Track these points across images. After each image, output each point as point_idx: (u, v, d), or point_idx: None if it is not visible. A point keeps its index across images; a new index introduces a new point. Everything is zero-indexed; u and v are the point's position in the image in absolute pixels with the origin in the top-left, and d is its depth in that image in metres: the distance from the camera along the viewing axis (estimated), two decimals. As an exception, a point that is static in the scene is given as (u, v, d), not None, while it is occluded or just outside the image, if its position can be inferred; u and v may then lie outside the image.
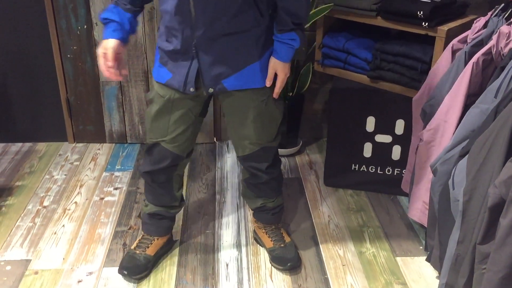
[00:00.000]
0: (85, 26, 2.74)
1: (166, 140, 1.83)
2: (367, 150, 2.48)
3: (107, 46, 1.65)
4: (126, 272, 1.97)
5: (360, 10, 2.31)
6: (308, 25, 2.58)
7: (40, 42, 2.77)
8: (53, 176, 2.68)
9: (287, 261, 2.03)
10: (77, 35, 2.75)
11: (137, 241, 2.09)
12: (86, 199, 2.49)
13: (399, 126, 2.38)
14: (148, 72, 2.85)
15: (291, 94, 2.80)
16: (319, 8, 2.50)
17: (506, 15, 1.82)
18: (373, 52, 2.34)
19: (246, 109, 1.78)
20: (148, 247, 2.04)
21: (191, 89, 1.70)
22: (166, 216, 2.04)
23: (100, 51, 1.66)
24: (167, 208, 2.02)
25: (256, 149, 1.87)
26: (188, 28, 1.60)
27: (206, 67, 1.66)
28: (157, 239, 2.07)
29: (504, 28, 1.73)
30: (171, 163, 1.88)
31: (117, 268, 2.01)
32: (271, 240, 2.10)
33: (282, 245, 2.08)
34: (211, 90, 1.70)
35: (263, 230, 2.13)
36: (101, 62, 1.67)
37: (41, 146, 2.98)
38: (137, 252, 2.03)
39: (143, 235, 2.09)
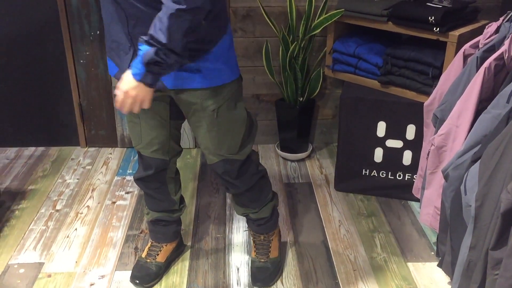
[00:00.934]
0: (98, 32, 2.77)
1: (142, 147, 1.82)
2: (378, 155, 2.48)
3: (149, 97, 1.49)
4: (138, 281, 1.98)
5: (371, 16, 2.32)
6: (318, 30, 2.59)
7: (53, 48, 2.81)
8: (65, 180, 2.71)
9: (257, 281, 1.99)
10: (90, 41, 2.79)
11: (146, 249, 2.08)
12: (98, 203, 2.52)
13: (410, 131, 2.38)
14: (159, 77, 2.87)
15: (301, 99, 2.81)
16: (329, 13, 2.51)
17: (518, 20, 1.81)
18: (384, 57, 2.35)
19: (199, 118, 1.70)
20: (158, 255, 2.04)
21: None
22: (169, 221, 2.03)
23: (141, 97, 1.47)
24: (168, 213, 2.00)
25: (216, 160, 1.78)
26: (124, 26, 1.54)
27: None
28: (166, 245, 2.06)
29: (516, 33, 1.73)
30: (157, 169, 1.86)
31: (129, 271, 2.03)
32: (254, 251, 2.07)
33: (263, 260, 2.03)
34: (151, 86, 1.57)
35: (252, 238, 2.09)
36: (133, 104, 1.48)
37: (54, 150, 3.02)
38: (148, 260, 2.03)
39: (151, 243, 2.08)
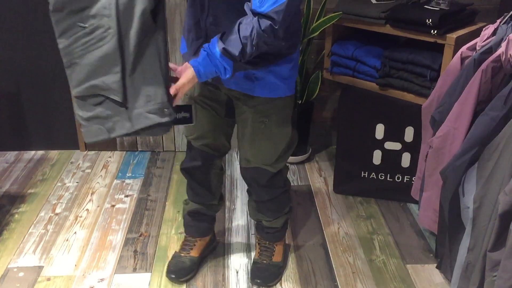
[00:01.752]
0: (97, 36, 2.77)
1: (194, 137, 1.86)
2: (377, 157, 2.48)
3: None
4: (173, 276, 2.01)
5: (369, 19, 2.33)
6: (317, 33, 2.60)
7: (54, 51, 2.81)
8: (65, 184, 2.72)
9: (256, 277, 2.01)
10: (89, 45, 2.79)
11: (181, 243, 2.11)
12: (98, 206, 2.52)
13: (409, 134, 2.38)
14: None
15: (300, 102, 2.81)
16: (328, 16, 2.52)
17: (515, 23, 1.82)
18: (382, 59, 2.36)
19: (246, 124, 1.76)
20: (192, 249, 2.07)
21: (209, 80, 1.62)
22: (206, 214, 2.06)
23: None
24: (206, 206, 2.03)
25: (249, 166, 1.84)
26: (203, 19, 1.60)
27: None
28: (200, 240, 2.09)
29: (513, 36, 1.73)
30: (204, 162, 1.90)
31: (128, 274, 2.03)
32: (258, 253, 2.09)
33: (265, 261, 2.05)
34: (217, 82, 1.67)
35: (257, 241, 2.12)
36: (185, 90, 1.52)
37: (53, 154, 3.02)
38: (182, 254, 2.06)
39: (186, 237, 2.11)
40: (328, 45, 2.59)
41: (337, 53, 2.54)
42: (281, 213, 2.00)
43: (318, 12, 2.64)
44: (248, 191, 2.01)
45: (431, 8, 2.18)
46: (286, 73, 1.69)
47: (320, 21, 2.58)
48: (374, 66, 2.40)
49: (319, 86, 2.80)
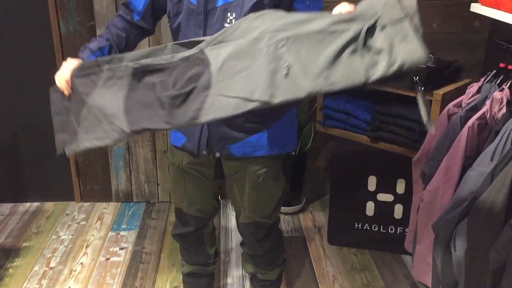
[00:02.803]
0: (95, 90, 2.85)
1: (185, 205, 1.86)
2: (370, 208, 2.51)
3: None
4: None
5: (359, 74, 2.41)
6: (309, 87, 2.69)
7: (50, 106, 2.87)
8: (59, 236, 2.71)
9: None
10: (87, 99, 2.86)
11: None
12: (92, 260, 2.51)
13: (400, 186, 2.43)
14: (154, 133, 2.93)
15: (294, 153, 2.87)
16: (319, 72, 2.60)
17: (498, 82, 1.90)
18: (372, 113, 2.43)
19: (243, 180, 1.76)
20: None
21: (204, 152, 1.69)
22: (203, 274, 2.06)
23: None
24: (203, 266, 2.04)
25: (248, 221, 1.84)
26: None
27: (214, 130, 1.67)
28: None
29: (497, 94, 1.81)
30: (197, 226, 1.91)
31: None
32: None
33: None
34: (218, 154, 1.71)
35: None
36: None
37: (49, 205, 3.03)
38: None
39: None
40: (320, 99, 2.67)
41: (329, 106, 2.61)
42: (276, 265, 2.01)
43: (310, 67, 2.73)
44: (242, 244, 2.01)
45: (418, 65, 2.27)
46: (291, 125, 1.76)
47: (312, 76, 2.66)
48: (365, 120, 2.47)
49: (312, 137, 2.86)
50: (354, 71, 1.28)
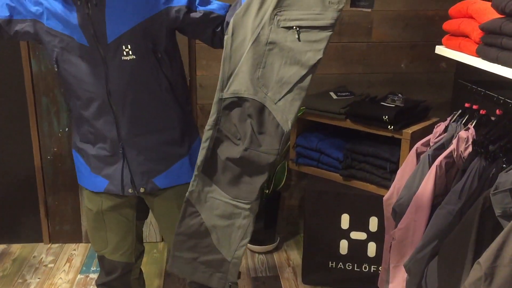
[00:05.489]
0: (67, 129, 2.82)
1: (108, 251, 1.79)
2: (343, 247, 2.51)
3: None
4: None
5: (330, 113, 2.45)
6: (282, 126, 2.71)
7: (21, 145, 2.83)
8: (26, 280, 2.62)
9: None
10: (59, 137, 2.83)
11: None
12: (59, 304, 2.43)
13: (373, 223, 2.43)
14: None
15: (267, 191, 2.86)
16: (292, 111, 2.63)
17: (464, 121, 1.95)
18: (344, 152, 2.46)
19: (173, 210, 1.71)
20: None
21: (130, 190, 1.66)
22: None
23: None
24: None
25: None
26: (114, 129, 1.60)
27: (135, 166, 1.64)
28: None
29: (463, 133, 1.86)
30: (122, 272, 1.83)
31: None
32: None
33: None
34: (142, 189, 1.67)
35: None
36: None
37: (15, 247, 2.93)
38: None
39: None
40: (293, 137, 2.69)
41: (301, 144, 2.63)
42: None
43: (282, 106, 2.76)
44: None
45: (387, 105, 2.33)
46: (193, 139, 1.74)
47: (284, 114, 2.69)
48: (337, 158, 2.49)
49: (285, 175, 2.87)
50: None
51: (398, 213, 2.03)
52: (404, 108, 2.30)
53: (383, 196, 2.24)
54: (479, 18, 1.82)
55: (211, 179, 1.53)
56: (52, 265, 2.77)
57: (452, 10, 2.05)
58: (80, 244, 2.99)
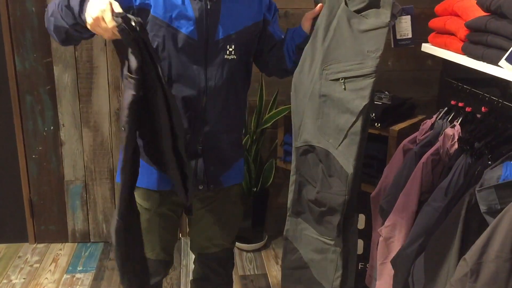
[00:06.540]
0: (52, 128, 2.78)
1: (156, 252, 1.76)
2: (331, 244, 2.51)
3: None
4: None
5: (318, 111, 2.45)
6: (269, 124, 2.71)
7: (5, 144, 2.79)
8: (11, 281, 2.58)
9: None
10: (43, 136, 2.79)
11: None
12: (45, 305, 2.40)
13: (360, 221, 2.44)
14: (113, 170, 2.88)
15: (255, 189, 2.86)
16: (279, 108, 2.63)
17: (450, 118, 1.96)
18: (331, 150, 2.46)
19: (218, 208, 1.77)
20: None
21: (200, 187, 1.66)
22: None
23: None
24: None
25: (217, 250, 1.84)
26: (199, 123, 1.59)
27: (209, 163, 1.65)
28: None
29: (449, 131, 1.86)
30: (165, 272, 1.83)
31: None
32: None
33: None
34: (212, 186, 1.68)
35: None
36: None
37: (0, 248, 2.89)
38: None
39: None
40: (280, 135, 2.69)
41: (289, 142, 2.63)
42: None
43: (270, 104, 2.76)
44: (195, 281, 1.94)
45: (374, 102, 2.33)
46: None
47: (272, 112, 2.69)
48: (324, 156, 2.49)
49: (273, 174, 2.86)
50: None
51: (386, 210, 2.03)
52: (391, 105, 2.31)
53: (371, 193, 2.25)
54: (464, 16, 1.83)
55: (302, 218, 1.73)
56: (37, 265, 2.73)
57: (438, 8, 2.06)
58: (66, 243, 2.96)
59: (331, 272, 1.70)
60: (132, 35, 1.27)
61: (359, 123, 1.52)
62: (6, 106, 2.74)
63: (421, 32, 2.34)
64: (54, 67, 2.70)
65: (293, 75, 1.63)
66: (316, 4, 1.64)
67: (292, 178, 1.67)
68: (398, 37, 1.72)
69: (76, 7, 1.33)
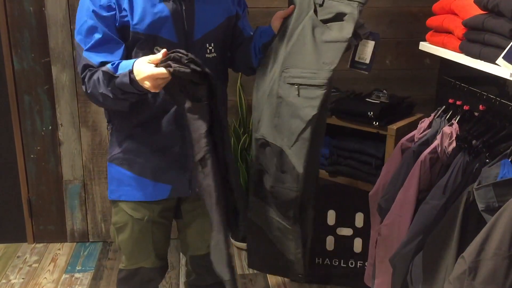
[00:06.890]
0: (50, 127, 2.78)
1: (152, 260, 1.76)
2: (330, 243, 2.51)
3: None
4: None
5: (316, 110, 2.45)
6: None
7: (3, 143, 2.79)
8: (10, 281, 2.58)
9: None
10: (42, 136, 2.79)
11: None
12: (44, 305, 2.40)
13: (359, 219, 2.45)
14: (112, 170, 2.87)
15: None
16: (277, 107, 2.63)
17: (448, 117, 1.97)
18: (330, 148, 2.46)
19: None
20: None
21: (197, 189, 1.59)
22: None
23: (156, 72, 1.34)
24: None
25: (209, 250, 1.76)
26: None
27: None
28: None
29: (447, 129, 1.87)
30: (161, 278, 1.82)
31: None
32: None
33: None
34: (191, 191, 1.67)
35: None
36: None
37: (-1, 248, 2.90)
38: None
39: None
40: (278, 134, 2.70)
41: (287, 141, 2.63)
42: None
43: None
44: (189, 282, 1.93)
45: (372, 101, 2.34)
46: None
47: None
48: (323, 154, 2.50)
49: (271, 172, 2.86)
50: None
51: (384, 208, 2.04)
52: (389, 104, 2.32)
53: (369, 192, 2.25)
54: (462, 14, 1.83)
55: (265, 202, 1.77)
56: (36, 265, 2.73)
57: (435, 7, 2.06)
58: (65, 243, 2.95)
59: (293, 247, 1.82)
60: (189, 69, 1.33)
61: (308, 131, 1.57)
62: (4, 106, 2.74)
63: (419, 31, 2.35)
64: (52, 67, 2.70)
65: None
66: (289, 4, 1.64)
67: (253, 166, 1.75)
68: (356, 58, 1.71)
69: (127, 86, 1.39)
